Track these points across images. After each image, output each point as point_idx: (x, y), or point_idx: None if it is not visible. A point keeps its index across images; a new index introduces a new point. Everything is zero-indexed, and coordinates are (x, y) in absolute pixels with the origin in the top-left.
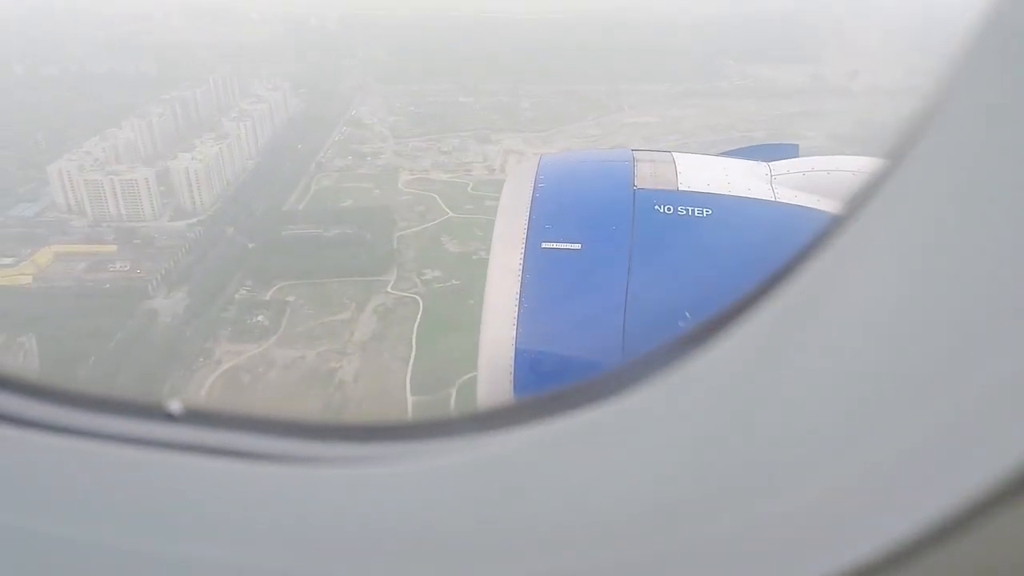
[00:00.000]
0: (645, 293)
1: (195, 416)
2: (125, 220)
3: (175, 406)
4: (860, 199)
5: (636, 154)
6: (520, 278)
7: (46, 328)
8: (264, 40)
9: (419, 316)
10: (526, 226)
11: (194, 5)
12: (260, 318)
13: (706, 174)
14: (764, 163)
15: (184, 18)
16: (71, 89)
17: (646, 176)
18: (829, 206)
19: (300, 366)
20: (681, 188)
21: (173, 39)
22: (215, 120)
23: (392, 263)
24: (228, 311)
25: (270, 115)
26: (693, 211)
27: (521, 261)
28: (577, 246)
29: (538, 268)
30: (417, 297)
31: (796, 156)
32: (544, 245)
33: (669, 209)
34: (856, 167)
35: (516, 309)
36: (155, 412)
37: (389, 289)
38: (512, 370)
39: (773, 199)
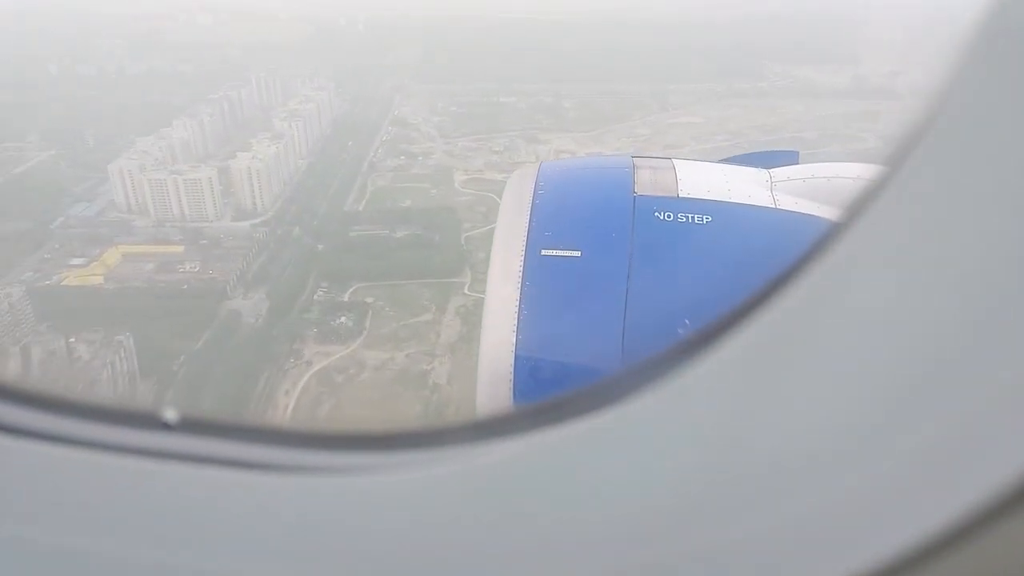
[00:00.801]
0: (645, 300)
1: (190, 425)
2: (188, 220)
3: (170, 415)
4: (860, 206)
5: (636, 161)
6: (520, 285)
7: (132, 328)
8: (294, 40)
9: None
10: (526, 233)
11: (215, 4)
12: (343, 319)
13: (706, 181)
14: (764, 170)
15: (207, 16)
16: (111, 88)
17: (646, 183)
18: (829, 213)
19: (391, 367)
20: (681, 195)
21: (201, 38)
22: (259, 120)
23: (464, 264)
24: (310, 312)
25: (318, 115)
26: (693, 218)
27: (521, 268)
28: (577, 253)
29: (538, 275)
30: None
31: (796, 163)
32: (544, 252)
33: (669, 216)
34: (856, 173)
35: (516, 316)
36: (150, 421)
37: (466, 291)
38: (512, 377)
39: (773, 206)
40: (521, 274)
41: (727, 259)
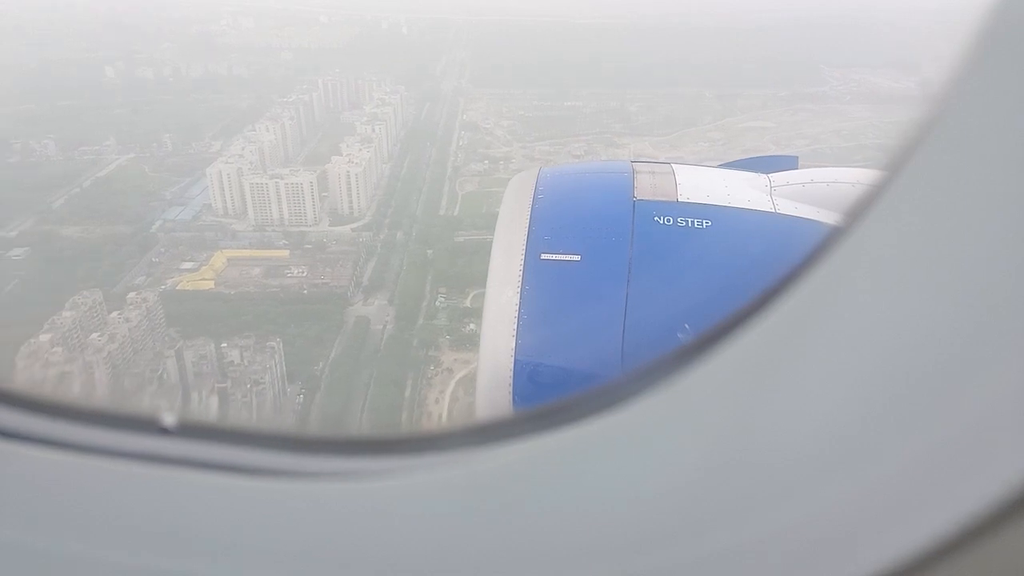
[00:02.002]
0: (645, 304)
1: (188, 430)
2: (288, 225)
3: (168, 419)
4: (860, 210)
5: (635, 165)
6: (519, 289)
7: (265, 334)
8: (343, 43)
9: None
10: (525, 237)
11: (258, 7)
12: (472, 326)
13: (705, 185)
14: (763, 175)
15: (249, 20)
16: (172, 92)
17: (645, 187)
18: (829, 218)
19: None
20: (681, 199)
21: (248, 42)
22: (329, 123)
23: None
24: (438, 319)
25: (394, 119)
26: (693, 222)
27: (521, 272)
28: (576, 257)
29: (537, 279)
30: None
31: (795, 168)
32: (543, 256)
33: (669, 220)
34: (855, 179)
35: (515, 320)
36: (148, 426)
37: None
38: (512, 381)
39: (773, 210)
40: (521, 278)
41: (727, 263)
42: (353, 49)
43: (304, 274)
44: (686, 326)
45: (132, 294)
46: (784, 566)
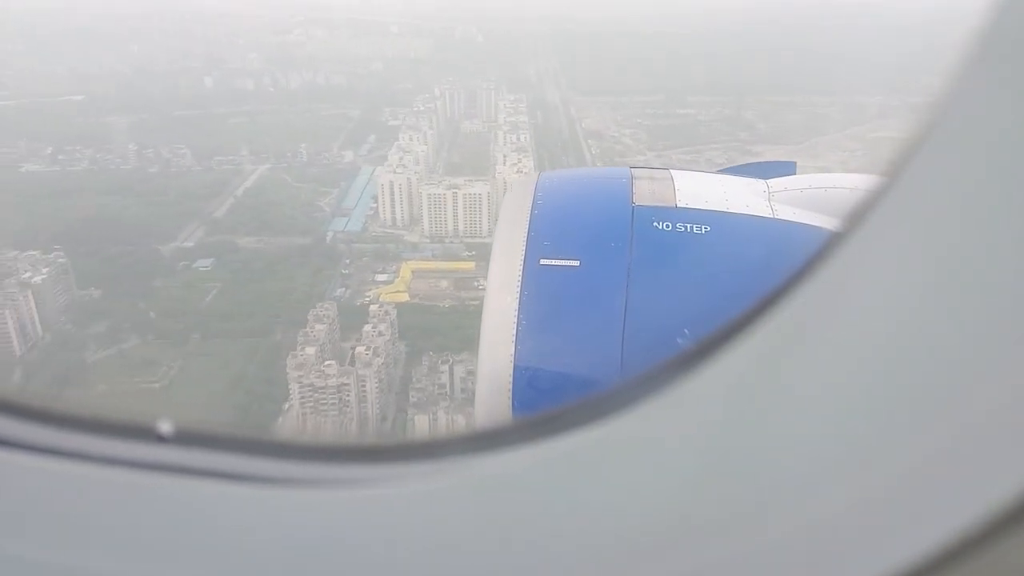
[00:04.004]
0: (644, 310)
1: (185, 437)
2: (462, 236)
3: (165, 427)
4: (858, 215)
5: (634, 171)
6: (519, 295)
7: None
8: (424, 53)
9: None
10: (524, 242)
11: (326, 18)
12: None
13: (704, 191)
14: (761, 180)
15: (322, 30)
16: (278, 101)
17: (644, 193)
18: (827, 223)
19: None
20: (679, 205)
21: (329, 52)
22: (451, 132)
23: None
24: None
25: (525, 128)
26: (692, 228)
27: (519, 278)
28: (575, 263)
29: (536, 285)
30: None
31: (793, 173)
32: (542, 262)
33: (668, 226)
34: (853, 184)
35: (515, 326)
36: (145, 433)
37: None
38: (511, 388)
39: (772, 216)
40: (520, 284)
41: (726, 269)
42: (435, 59)
43: None
44: (686, 332)
45: (375, 306)
46: (785, 574)
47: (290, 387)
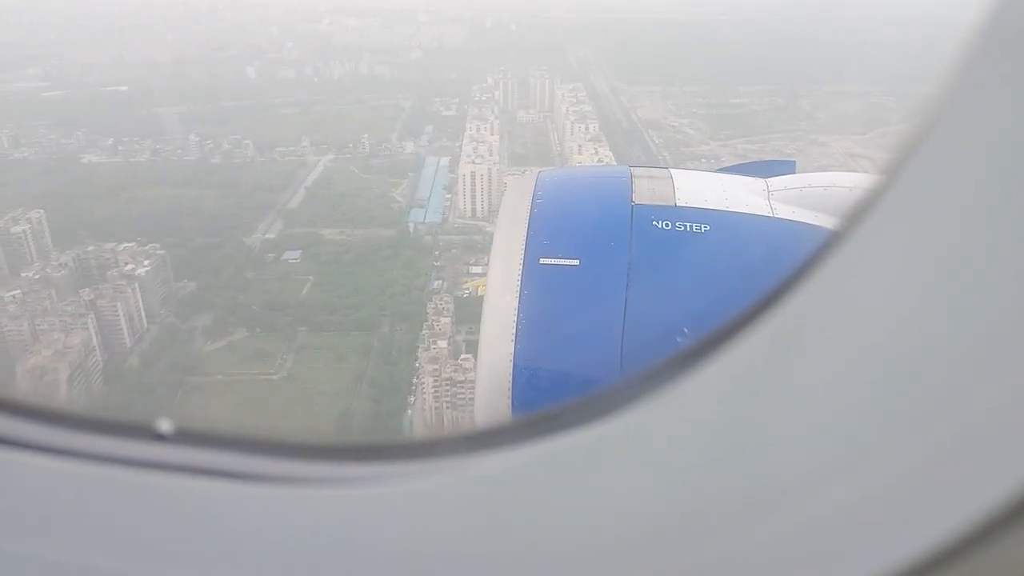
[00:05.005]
0: (643, 309)
1: (185, 436)
2: None
3: (165, 426)
4: (857, 214)
5: (633, 170)
6: (518, 294)
7: None
8: (459, 42)
9: None
10: (524, 242)
11: (355, 7)
12: None
13: (703, 190)
14: (761, 179)
15: (352, 19)
16: (326, 92)
17: (644, 192)
18: (827, 222)
19: None
20: (679, 204)
21: (364, 41)
22: (508, 122)
23: None
24: None
25: (585, 117)
26: (691, 227)
27: (519, 277)
28: (575, 262)
29: (536, 284)
30: None
31: (793, 172)
32: (542, 261)
33: (667, 225)
34: (852, 183)
35: (514, 325)
36: (145, 432)
37: None
38: (510, 387)
39: (771, 215)
40: (519, 283)
41: (725, 268)
42: (471, 48)
43: None
44: (685, 330)
45: None
46: (784, 572)
47: (422, 381)
